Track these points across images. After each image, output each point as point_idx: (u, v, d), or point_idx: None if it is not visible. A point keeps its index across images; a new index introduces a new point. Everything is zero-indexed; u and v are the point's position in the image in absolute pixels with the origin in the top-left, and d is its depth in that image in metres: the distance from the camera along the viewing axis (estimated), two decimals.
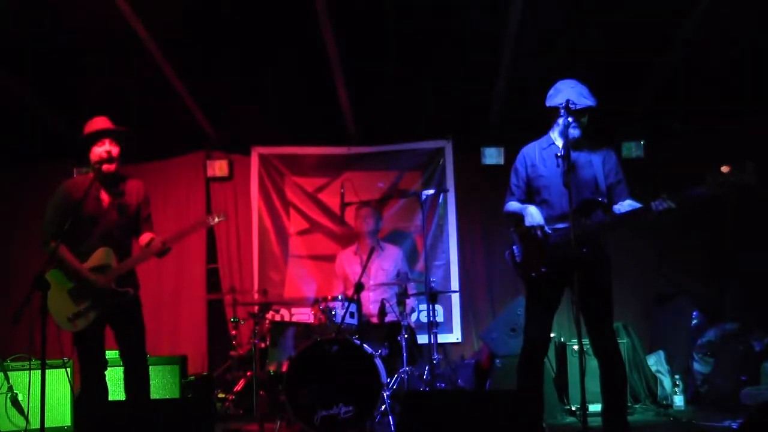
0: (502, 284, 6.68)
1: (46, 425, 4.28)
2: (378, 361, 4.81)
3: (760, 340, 5.66)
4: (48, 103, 6.30)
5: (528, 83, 5.32)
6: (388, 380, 4.98)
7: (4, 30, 5.39)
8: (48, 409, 4.88)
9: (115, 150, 4.07)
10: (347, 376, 4.65)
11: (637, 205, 3.88)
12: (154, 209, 4.38)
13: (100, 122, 4.12)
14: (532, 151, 4.17)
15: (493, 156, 6.71)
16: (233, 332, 6.03)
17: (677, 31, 5.56)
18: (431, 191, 5.88)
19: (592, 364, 4.23)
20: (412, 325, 5.91)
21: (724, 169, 3.50)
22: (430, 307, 5.32)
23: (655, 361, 6.07)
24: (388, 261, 6.12)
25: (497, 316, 6.34)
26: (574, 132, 3.94)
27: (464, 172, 6.90)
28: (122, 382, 4.11)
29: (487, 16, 5.43)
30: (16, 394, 5.25)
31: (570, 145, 3.82)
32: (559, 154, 3.89)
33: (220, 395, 5.92)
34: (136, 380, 4.09)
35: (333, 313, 5.25)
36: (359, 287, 4.99)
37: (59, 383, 5.35)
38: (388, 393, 4.81)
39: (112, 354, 4.09)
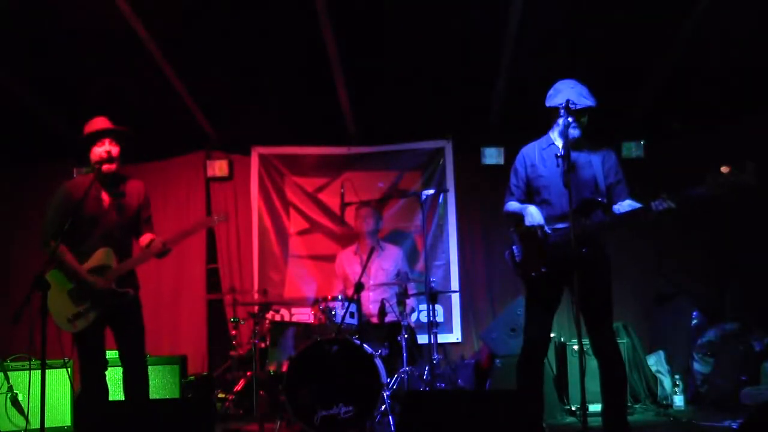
0: (502, 284, 6.68)
1: (46, 425, 4.28)
2: (378, 361, 4.81)
3: (760, 340, 5.66)
4: (48, 103, 6.30)
5: (528, 83, 5.31)
6: (388, 380, 4.98)
7: (4, 30, 5.39)
8: (48, 409, 4.88)
9: (115, 150, 4.07)
10: (347, 376, 4.65)
11: (637, 205, 3.88)
12: (154, 209, 4.38)
13: (99, 122, 4.12)
14: (531, 151, 4.17)
15: (493, 156, 6.71)
16: (233, 332, 6.03)
17: (677, 31, 5.56)
18: (431, 191, 5.88)
19: (592, 364, 4.23)
20: (412, 325, 5.91)
21: (724, 169, 3.50)
22: (430, 307, 5.32)
23: (655, 361, 6.07)
24: (388, 261, 6.12)
25: (497, 316, 6.34)
26: (573, 132, 3.94)
27: (464, 172, 6.90)
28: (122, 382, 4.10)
29: (487, 16, 5.42)
30: (16, 394, 5.25)
31: (570, 145, 3.82)
32: (559, 154, 3.90)
33: (220, 395, 5.91)
34: (135, 381, 4.08)
35: (333, 313, 5.25)
36: (359, 287, 4.99)
37: (59, 383, 5.36)
38: (388, 393, 4.81)
39: (112, 354, 4.09)
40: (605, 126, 4.87)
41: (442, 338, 6.40)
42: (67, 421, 5.39)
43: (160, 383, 5.73)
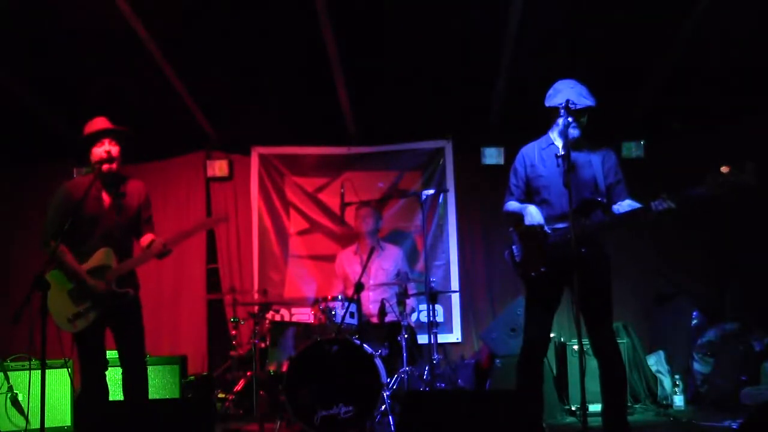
0: (502, 284, 6.68)
1: (46, 425, 4.28)
2: (378, 361, 4.81)
3: (760, 340, 5.66)
4: (48, 103, 6.30)
5: (528, 83, 5.31)
6: (388, 380, 4.98)
7: (4, 30, 5.39)
8: (48, 409, 4.88)
9: (114, 150, 4.07)
10: (347, 376, 4.65)
11: (637, 205, 3.88)
12: (154, 209, 4.38)
13: (99, 122, 4.12)
14: (531, 151, 4.17)
15: (493, 156, 6.71)
16: (233, 332, 6.03)
17: (677, 31, 5.56)
18: (431, 191, 5.88)
19: (592, 364, 4.23)
20: (413, 324, 5.91)
21: (724, 169, 3.50)
22: (430, 307, 5.32)
23: (655, 361, 6.07)
24: (389, 261, 6.12)
25: (497, 316, 6.34)
26: (573, 132, 3.93)
27: (464, 172, 6.90)
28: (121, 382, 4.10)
29: (487, 16, 5.42)
30: (16, 394, 5.25)
31: (570, 145, 3.82)
32: (559, 154, 3.90)
33: (220, 395, 5.91)
34: (135, 381, 4.08)
35: (333, 313, 5.25)
36: (359, 287, 4.99)
37: (59, 383, 5.36)
38: (388, 393, 4.81)
39: (112, 354, 4.09)
40: (605, 126, 4.87)
41: (442, 338, 6.40)
42: (67, 421, 5.39)
43: (160, 383, 5.73)
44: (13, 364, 5.34)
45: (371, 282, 5.95)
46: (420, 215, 5.53)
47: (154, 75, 5.87)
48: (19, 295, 3.59)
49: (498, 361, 5.65)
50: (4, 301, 6.22)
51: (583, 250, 3.75)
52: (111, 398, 4.25)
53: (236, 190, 6.95)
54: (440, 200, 6.89)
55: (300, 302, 6.66)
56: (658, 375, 5.97)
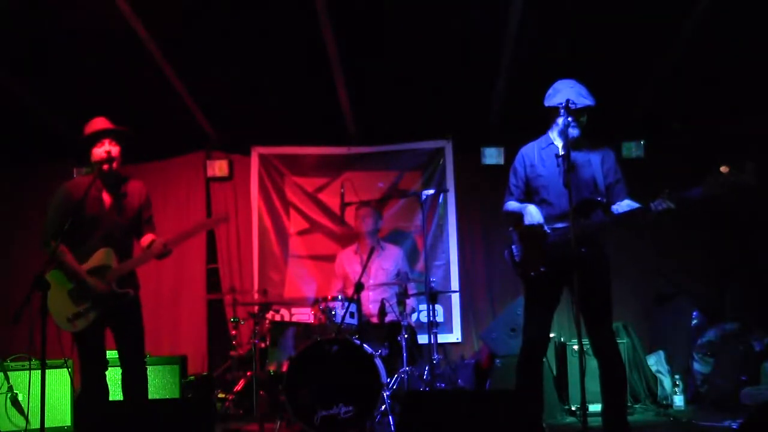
0: (502, 284, 6.68)
1: (46, 425, 4.27)
2: (378, 361, 4.81)
3: (760, 340, 5.66)
4: (48, 103, 6.30)
5: (528, 83, 5.31)
6: (388, 380, 4.98)
7: (4, 30, 5.39)
8: (48, 409, 4.87)
9: (115, 150, 4.07)
10: (347, 376, 4.65)
11: (636, 205, 3.89)
12: (154, 209, 4.37)
13: (99, 122, 4.11)
14: (531, 151, 4.17)
15: (493, 156, 6.71)
16: (233, 332, 6.03)
17: (677, 31, 5.56)
18: (431, 191, 5.89)
19: (592, 364, 4.23)
20: (413, 324, 5.91)
21: (724, 169, 3.50)
22: (430, 307, 5.32)
23: (655, 361, 6.07)
24: (389, 261, 6.12)
25: (497, 316, 6.35)
26: (573, 131, 3.93)
27: (464, 172, 6.90)
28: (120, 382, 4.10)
29: (487, 16, 5.42)
30: (16, 394, 5.25)
31: (569, 144, 3.82)
32: (558, 154, 3.91)
33: (220, 395, 5.91)
34: (135, 381, 4.08)
35: (333, 313, 5.25)
36: (359, 287, 4.99)
37: (59, 383, 5.36)
38: (388, 393, 4.81)
39: (112, 354, 4.09)
40: (605, 126, 4.87)
41: (442, 338, 6.39)
42: (67, 421, 5.39)
43: (160, 383, 5.73)
44: (13, 364, 5.34)
45: (371, 282, 5.95)
46: (420, 215, 5.53)
47: (154, 75, 5.87)
48: (19, 295, 3.58)
49: (498, 361, 5.65)
50: (4, 301, 6.21)
51: (582, 250, 3.75)
52: (111, 398, 4.25)
53: (236, 190, 6.95)
54: (440, 200, 6.89)
55: (300, 302, 6.66)
56: (658, 375, 5.97)
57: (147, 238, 4.19)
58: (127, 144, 4.14)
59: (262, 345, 5.67)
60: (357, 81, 6.13)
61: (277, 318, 6.20)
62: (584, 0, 5.33)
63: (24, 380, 5.20)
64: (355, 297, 5.03)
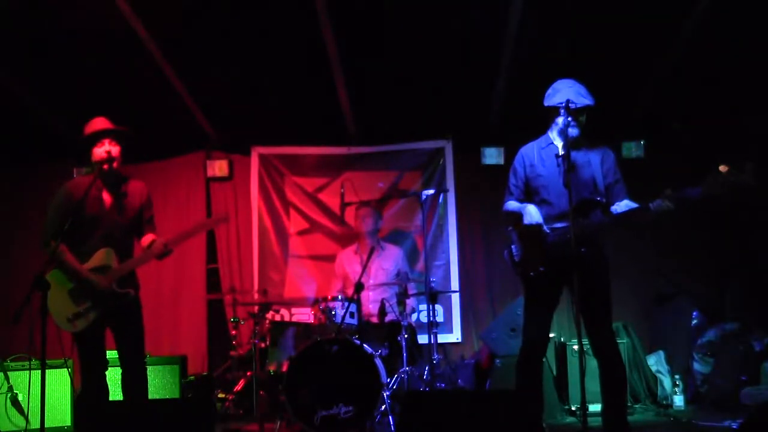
0: (502, 284, 6.68)
1: (46, 425, 4.27)
2: (378, 361, 4.81)
3: (760, 340, 5.66)
4: (48, 103, 6.30)
5: (528, 83, 5.31)
6: (388, 380, 4.98)
7: (4, 30, 5.39)
8: (48, 409, 4.87)
9: (115, 150, 4.07)
10: (347, 376, 4.65)
11: (635, 205, 3.89)
12: (154, 209, 4.37)
13: (99, 122, 4.12)
14: (530, 150, 4.17)
15: (493, 156, 6.71)
16: (233, 332, 6.03)
17: (677, 31, 5.56)
18: (431, 191, 5.89)
19: (592, 364, 4.23)
20: (413, 324, 5.91)
21: (723, 168, 3.50)
22: (430, 307, 5.32)
23: (655, 361, 6.07)
24: (389, 261, 6.12)
25: (497, 316, 6.34)
26: (573, 131, 3.93)
27: (464, 172, 6.90)
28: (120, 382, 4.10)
29: (487, 16, 5.42)
30: (16, 394, 5.25)
31: (569, 144, 3.82)
32: (558, 154, 3.91)
33: (220, 395, 5.91)
34: (135, 382, 4.08)
35: (333, 313, 5.25)
36: (359, 287, 4.99)
37: (59, 383, 5.36)
38: (388, 393, 4.81)
39: (112, 354, 4.09)
40: (605, 126, 4.87)
41: (442, 338, 6.39)
42: (67, 421, 5.39)
43: (160, 383, 5.73)
44: (13, 364, 5.34)
45: (371, 282, 5.95)
46: (420, 215, 5.53)
47: (154, 75, 5.87)
48: (19, 295, 3.58)
49: (498, 361, 5.65)
50: (4, 301, 6.21)
51: (582, 250, 3.75)
52: (111, 398, 4.25)
53: (236, 190, 6.95)
54: (440, 200, 6.89)
55: (300, 302, 6.66)
56: (658, 375, 5.97)
57: (147, 238, 4.19)
58: (127, 144, 4.14)
59: (262, 345, 5.67)
60: (357, 81, 6.13)
61: (277, 318, 6.20)
62: (584, 0, 5.33)
63: (24, 380, 5.20)
64: (355, 297, 5.03)
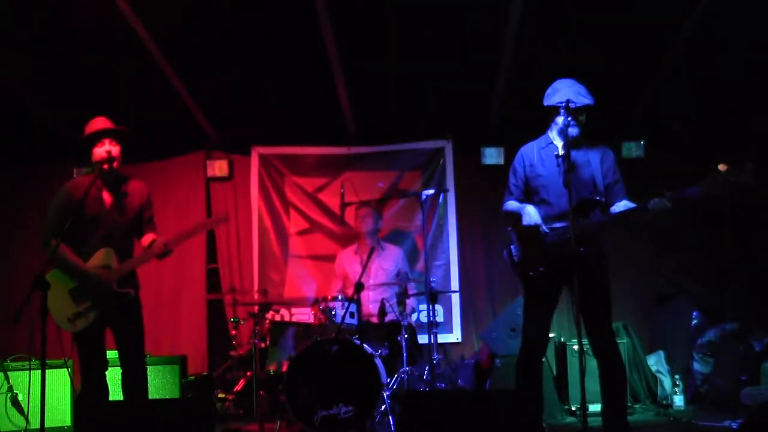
0: (502, 284, 6.68)
1: (46, 425, 4.28)
2: (378, 361, 4.81)
3: (760, 340, 5.66)
4: (48, 103, 6.30)
5: (528, 83, 5.31)
6: (388, 380, 4.98)
7: (4, 30, 5.39)
8: (48, 409, 4.88)
9: (115, 149, 4.07)
10: (347, 376, 4.65)
11: (633, 205, 3.88)
12: (154, 209, 4.38)
13: (99, 122, 4.12)
14: (530, 150, 4.17)
15: (493, 156, 6.71)
16: (233, 332, 6.03)
17: (677, 31, 5.56)
18: (431, 191, 5.88)
19: (592, 364, 4.23)
20: (413, 324, 5.91)
21: (722, 167, 3.50)
22: (430, 307, 5.32)
23: (655, 361, 6.07)
24: (389, 261, 6.12)
25: (497, 316, 6.34)
26: (572, 131, 3.93)
27: (464, 172, 6.90)
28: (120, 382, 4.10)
29: (487, 16, 5.42)
30: (16, 394, 5.25)
31: (569, 144, 3.82)
32: (558, 154, 3.91)
33: (220, 395, 5.91)
34: (135, 382, 4.08)
35: (333, 313, 5.25)
36: (359, 287, 4.99)
37: (59, 383, 5.36)
38: (388, 393, 4.81)
39: (112, 354, 4.09)
40: (605, 126, 4.87)
41: (442, 338, 6.39)
42: (67, 421, 5.39)
43: (160, 383, 5.73)
44: (13, 364, 5.34)
45: (371, 282, 5.95)
46: (420, 215, 5.53)
47: (154, 75, 5.87)
48: (19, 295, 3.59)
49: (498, 361, 5.65)
50: (4, 301, 6.21)
51: (581, 250, 3.74)
52: (111, 398, 4.25)
53: (236, 190, 6.96)
54: (440, 200, 6.89)
55: (300, 302, 6.66)
56: (658, 375, 5.97)
57: (147, 238, 4.19)
58: (127, 144, 4.14)
59: (262, 345, 5.67)
60: (357, 81, 6.13)
61: (277, 318, 6.20)
62: (584, 0, 5.33)
63: (24, 380, 5.20)
64: (355, 297, 5.03)
